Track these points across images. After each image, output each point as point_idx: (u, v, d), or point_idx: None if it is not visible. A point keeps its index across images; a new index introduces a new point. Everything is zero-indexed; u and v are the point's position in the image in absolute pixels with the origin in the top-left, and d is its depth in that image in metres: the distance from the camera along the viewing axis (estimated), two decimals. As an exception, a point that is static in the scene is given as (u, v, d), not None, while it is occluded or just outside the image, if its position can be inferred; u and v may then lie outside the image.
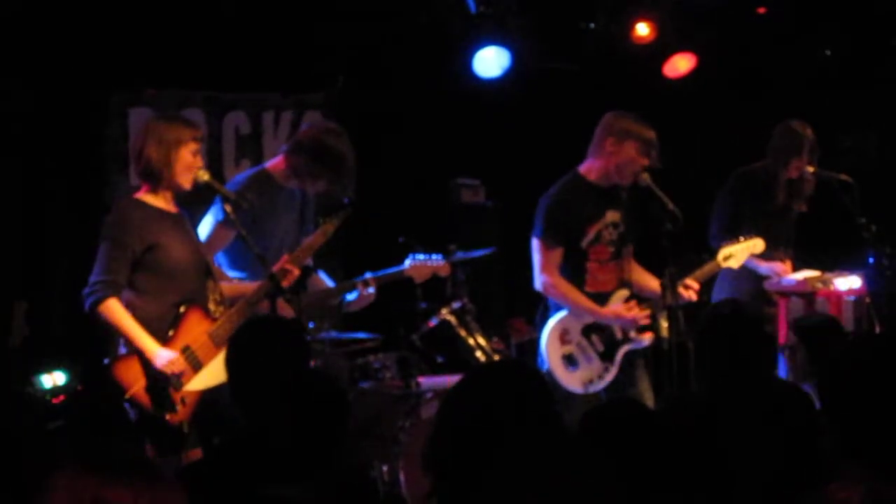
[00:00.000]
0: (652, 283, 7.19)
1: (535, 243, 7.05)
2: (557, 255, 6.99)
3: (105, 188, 8.34)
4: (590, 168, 7.11)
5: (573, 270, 7.03)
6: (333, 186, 6.67)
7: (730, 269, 7.81)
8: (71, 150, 8.21)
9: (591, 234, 7.06)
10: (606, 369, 7.10)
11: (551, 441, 3.18)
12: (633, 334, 7.12)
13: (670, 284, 6.74)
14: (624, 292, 7.18)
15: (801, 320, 7.33)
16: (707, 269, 7.25)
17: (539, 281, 7.04)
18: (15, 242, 7.89)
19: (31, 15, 7.90)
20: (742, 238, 7.45)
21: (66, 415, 7.27)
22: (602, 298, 7.12)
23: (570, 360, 7.06)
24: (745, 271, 7.89)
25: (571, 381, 7.04)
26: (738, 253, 7.36)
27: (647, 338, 7.13)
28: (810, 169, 7.97)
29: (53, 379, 7.55)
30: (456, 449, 3.27)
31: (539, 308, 7.26)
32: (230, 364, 4.47)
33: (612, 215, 7.11)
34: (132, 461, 2.46)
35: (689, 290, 7.01)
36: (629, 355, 7.15)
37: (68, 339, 7.72)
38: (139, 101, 8.53)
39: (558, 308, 7.10)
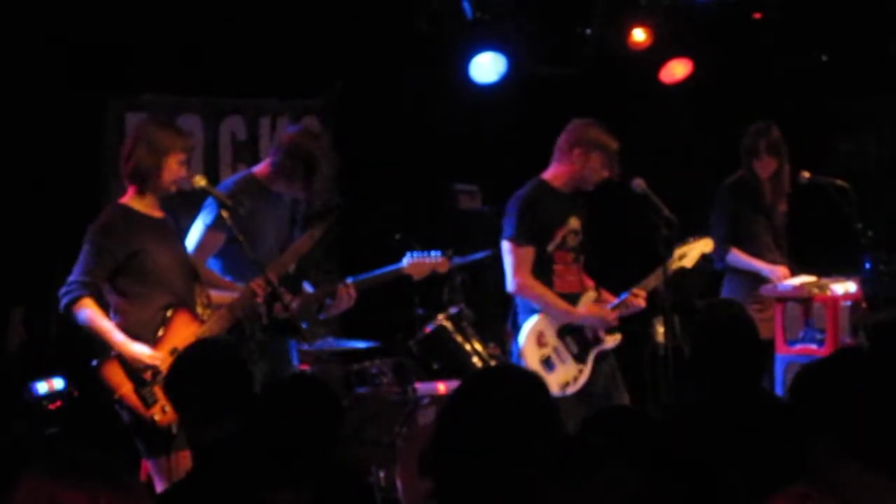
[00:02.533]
0: (605, 296, 7.30)
1: (507, 245, 7.12)
2: (529, 255, 7.06)
3: (102, 193, 8.34)
4: (555, 175, 7.21)
5: (541, 272, 7.11)
6: (309, 188, 6.69)
7: (735, 278, 7.89)
8: (68, 155, 8.21)
9: (558, 239, 7.16)
10: (581, 371, 7.15)
11: (550, 445, 3.18)
12: (602, 335, 7.18)
13: (664, 289, 6.80)
14: (593, 294, 7.25)
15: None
16: (659, 273, 7.25)
17: (513, 283, 7.10)
18: (12, 247, 7.89)
19: (29, 19, 7.90)
20: (692, 238, 7.48)
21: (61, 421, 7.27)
22: (571, 299, 7.18)
23: (547, 363, 7.11)
24: (749, 277, 7.93)
25: (550, 382, 7.07)
26: (690, 252, 7.41)
27: (614, 340, 7.20)
28: (806, 174, 7.98)
29: (50, 384, 7.54)
30: (456, 455, 3.28)
31: (509, 314, 7.29)
32: (174, 384, 4.61)
33: (574, 222, 7.22)
34: (93, 464, 2.46)
35: (638, 297, 7.09)
36: (599, 357, 7.20)
37: (65, 345, 7.71)
38: (136, 106, 8.53)
39: (528, 312, 7.14)
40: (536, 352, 7.11)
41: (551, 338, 7.15)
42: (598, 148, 7.09)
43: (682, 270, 7.34)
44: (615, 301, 7.21)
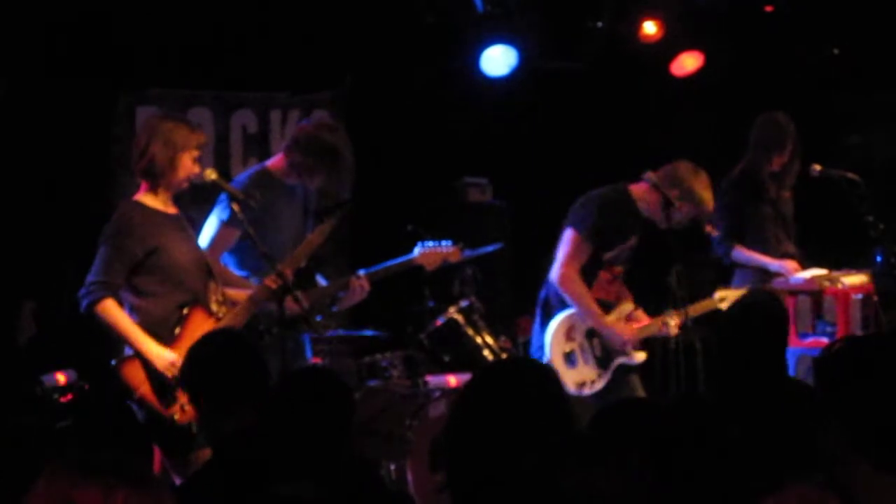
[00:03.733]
0: (637, 313, 7.29)
1: (571, 234, 7.08)
2: (586, 254, 7.07)
3: (113, 187, 8.35)
4: (642, 195, 7.15)
5: (585, 273, 7.08)
6: (331, 181, 6.68)
7: (745, 271, 7.91)
8: (79, 150, 8.22)
9: (615, 251, 7.14)
10: (599, 376, 7.13)
11: (563, 438, 3.18)
12: (629, 349, 7.17)
13: (677, 282, 6.78)
14: (629, 307, 7.23)
15: None
16: (701, 306, 7.26)
17: (559, 271, 7.07)
18: (23, 241, 7.90)
19: (40, 14, 7.91)
20: (737, 288, 7.52)
21: (72, 414, 7.28)
22: (604, 307, 7.17)
23: (569, 358, 7.10)
24: (759, 270, 7.93)
25: (567, 379, 7.07)
26: (731, 297, 7.41)
27: (640, 356, 7.19)
28: (817, 168, 7.96)
29: (61, 378, 7.55)
30: (467, 447, 3.28)
31: (540, 303, 7.26)
32: (189, 377, 4.67)
33: (634, 240, 7.18)
34: (111, 460, 2.45)
35: (674, 325, 7.08)
36: (622, 368, 7.18)
37: (76, 338, 7.73)
38: (147, 100, 8.54)
39: (563, 306, 7.12)
40: (562, 344, 7.11)
41: (579, 335, 7.15)
42: (693, 202, 7.05)
43: (717, 311, 7.39)
44: (645, 323, 7.21)
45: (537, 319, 7.28)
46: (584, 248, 7.05)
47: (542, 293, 7.26)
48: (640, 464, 2.92)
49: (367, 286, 6.76)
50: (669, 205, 6.97)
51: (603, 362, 7.15)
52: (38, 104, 7.95)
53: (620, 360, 7.16)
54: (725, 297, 7.40)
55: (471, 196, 9.86)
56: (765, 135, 8.10)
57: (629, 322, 7.22)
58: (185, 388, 4.85)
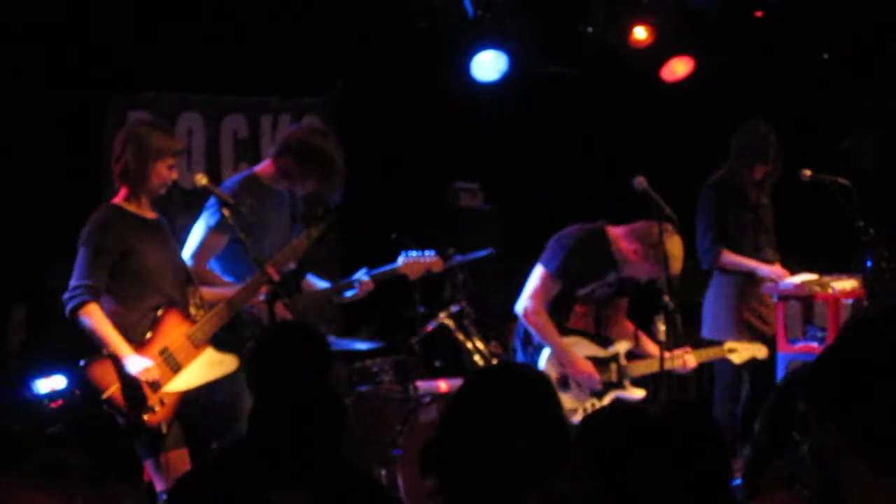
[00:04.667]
0: (647, 346, 7.30)
1: (541, 271, 7.13)
2: (553, 291, 7.13)
3: (106, 192, 8.33)
4: (616, 240, 7.16)
5: (560, 307, 7.15)
6: (322, 186, 6.69)
7: (722, 272, 7.91)
8: (70, 154, 8.22)
9: (589, 288, 7.16)
10: (593, 406, 7.12)
11: (555, 443, 3.19)
12: (626, 384, 7.18)
13: (667, 290, 6.79)
14: (628, 343, 7.26)
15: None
16: (710, 353, 7.37)
17: (524, 304, 7.12)
18: (13, 246, 7.89)
19: (32, 17, 7.90)
20: (748, 342, 7.60)
21: (63, 419, 7.27)
22: (591, 339, 7.21)
23: (564, 382, 7.10)
24: (741, 275, 7.94)
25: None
26: (742, 351, 7.50)
27: (638, 393, 7.19)
28: (808, 172, 7.96)
29: (51, 383, 7.55)
30: (459, 453, 3.28)
31: (520, 336, 7.28)
32: (254, 366, 4.46)
33: (612, 277, 7.19)
34: (72, 467, 2.45)
35: (662, 331, 7.07)
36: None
37: (66, 344, 7.72)
38: (138, 104, 8.54)
39: None
40: (555, 369, 7.12)
41: None
42: (655, 261, 7.00)
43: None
44: (643, 361, 7.24)
45: (518, 351, 7.32)
46: (551, 285, 7.12)
47: (521, 327, 7.29)
48: (631, 470, 2.92)
49: (369, 283, 6.81)
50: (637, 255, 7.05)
51: (598, 392, 7.16)
52: (30, 108, 7.94)
53: (616, 393, 7.18)
54: (736, 350, 7.44)
55: (462, 201, 9.87)
56: (747, 144, 8.11)
57: (632, 358, 7.26)
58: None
